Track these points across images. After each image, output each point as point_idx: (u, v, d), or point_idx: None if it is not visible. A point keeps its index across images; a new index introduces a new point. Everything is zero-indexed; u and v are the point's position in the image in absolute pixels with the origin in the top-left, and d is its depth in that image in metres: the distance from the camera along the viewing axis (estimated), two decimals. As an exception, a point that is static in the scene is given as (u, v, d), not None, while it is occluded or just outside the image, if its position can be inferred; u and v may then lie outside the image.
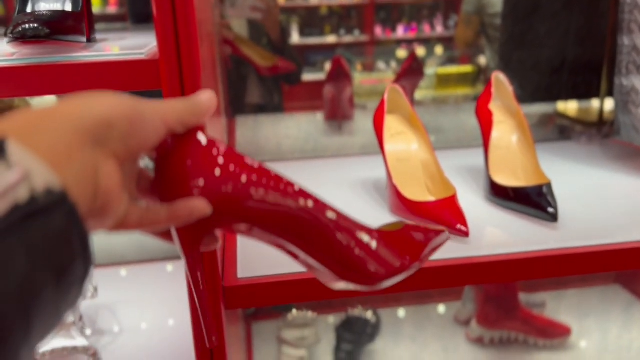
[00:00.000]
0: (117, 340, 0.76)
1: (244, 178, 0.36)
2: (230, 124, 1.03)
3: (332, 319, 1.19)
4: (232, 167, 0.37)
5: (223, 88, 0.97)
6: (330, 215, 0.39)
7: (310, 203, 0.38)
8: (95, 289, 0.69)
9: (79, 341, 0.65)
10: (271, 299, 0.58)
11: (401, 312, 1.24)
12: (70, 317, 0.67)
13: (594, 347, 1.12)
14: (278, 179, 0.37)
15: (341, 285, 0.40)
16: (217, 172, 0.36)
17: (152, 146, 0.34)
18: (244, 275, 0.57)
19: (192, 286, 0.41)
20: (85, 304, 0.82)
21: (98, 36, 0.63)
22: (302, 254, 0.39)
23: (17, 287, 0.22)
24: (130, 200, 0.36)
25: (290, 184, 0.37)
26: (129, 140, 0.32)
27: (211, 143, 0.37)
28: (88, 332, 0.76)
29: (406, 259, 0.42)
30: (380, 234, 0.42)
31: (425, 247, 0.44)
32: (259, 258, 0.61)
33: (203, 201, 0.36)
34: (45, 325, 0.24)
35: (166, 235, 0.39)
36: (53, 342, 0.64)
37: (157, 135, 0.34)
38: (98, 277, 0.86)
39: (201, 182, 0.36)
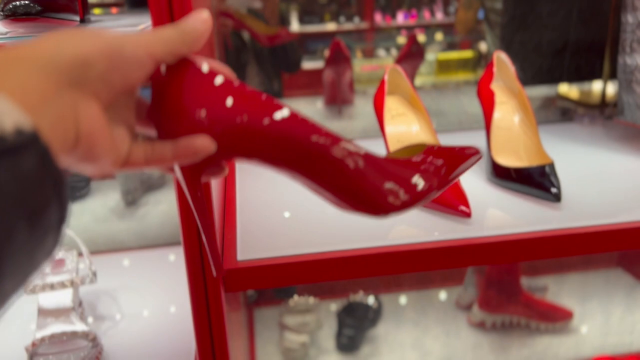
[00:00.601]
0: (118, 326, 0.76)
1: (246, 109, 0.34)
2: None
3: (334, 305, 1.19)
4: (233, 98, 0.34)
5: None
6: (343, 145, 0.36)
7: (320, 135, 0.35)
8: (94, 274, 0.69)
9: (79, 326, 0.64)
10: (271, 282, 0.57)
11: (402, 297, 1.24)
12: (69, 303, 0.66)
13: (596, 330, 1.12)
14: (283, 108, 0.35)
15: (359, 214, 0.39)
16: (217, 104, 0.34)
17: (139, 81, 0.33)
18: (244, 257, 0.57)
19: (196, 215, 0.39)
20: (85, 290, 0.81)
21: (93, 18, 0.62)
22: (312, 185, 0.37)
23: None
24: (133, 138, 0.35)
25: (296, 114, 0.35)
26: (109, 78, 0.30)
27: (208, 72, 0.35)
28: (90, 319, 0.76)
29: (431, 185, 0.40)
30: (395, 162, 0.40)
31: (452, 172, 0.42)
32: (258, 240, 0.60)
33: (207, 138, 0.34)
34: (18, 274, 0.23)
35: (170, 168, 0.38)
36: (52, 327, 0.64)
37: (143, 70, 0.32)
38: (98, 263, 0.86)
39: (201, 114, 0.34)
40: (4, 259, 0.22)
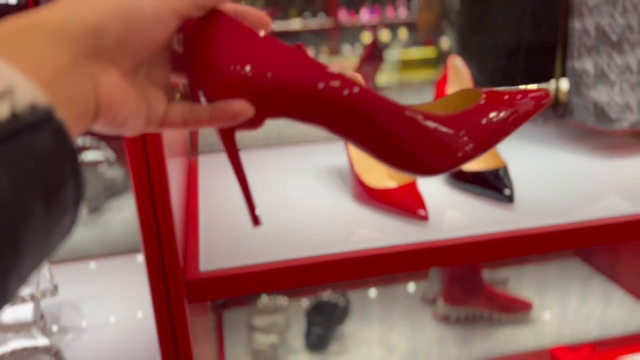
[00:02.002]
0: (83, 336, 0.75)
1: (280, 65, 0.33)
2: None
3: (303, 304, 1.20)
4: (266, 53, 0.33)
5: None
6: (379, 102, 0.36)
7: (355, 90, 0.35)
8: (56, 287, 0.68)
9: (40, 340, 0.64)
10: (235, 291, 0.58)
11: (369, 294, 1.26)
12: (30, 317, 0.66)
13: (555, 320, 1.16)
14: (321, 67, 0.34)
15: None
16: (250, 59, 0.33)
17: (164, 40, 0.31)
18: (207, 267, 0.57)
19: (234, 171, 0.39)
20: (49, 301, 0.80)
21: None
22: (349, 141, 0.37)
23: (2, 207, 0.20)
24: (170, 97, 0.34)
25: (335, 75, 0.35)
26: (128, 42, 0.29)
27: (241, 26, 0.33)
28: (54, 328, 0.75)
29: (476, 141, 0.39)
30: (444, 119, 0.38)
31: (508, 128, 0.41)
32: (222, 249, 0.60)
33: (244, 103, 0.34)
34: (36, 253, 0.23)
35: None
36: (12, 343, 0.63)
37: (167, 28, 0.31)
38: (61, 272, 0.85)
39: (234, 70, 0.33)
40: (21, 239, 0.21)
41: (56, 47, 0.25)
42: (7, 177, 0.20)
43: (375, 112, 0.36)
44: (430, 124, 0.38)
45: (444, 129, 0.39)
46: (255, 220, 0.40)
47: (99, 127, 0.30)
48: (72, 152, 0.24)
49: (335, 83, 0.35)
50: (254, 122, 0.37)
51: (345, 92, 0.35)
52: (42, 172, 0.22)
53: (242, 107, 0.34)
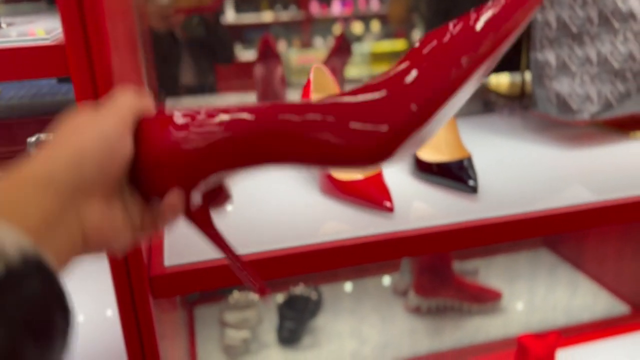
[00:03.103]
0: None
1: (196, 137, 0.37)
2: (159, 107, 1.01)
3: (275, 298, 1.20)
4: (186, 133, 0.37)
5: (148, 68, 0.94)
6: (293, 117, 0.37)
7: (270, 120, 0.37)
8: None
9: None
10: (201, 286, 0.57)
11: (342, 287, 1.27)
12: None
13: (523, 309, 1.19)
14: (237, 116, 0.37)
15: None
16: (171, 143, 0.36)
17: (128, 158, 0.34)
18: (172, 263, 0.57)
19: (220, 250, 0.41)
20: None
21: (4, 20, 0.60)
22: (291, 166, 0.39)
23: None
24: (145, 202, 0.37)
25: (235, 115, 0.37)
26: (105, 170, 0.32)
27: (158, 119, 0.38)
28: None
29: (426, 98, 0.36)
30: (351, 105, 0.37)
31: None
32: (188, 243, 0.60)
33: (174, 194, 0.36)
34: None
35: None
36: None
37: (128, 148, 0.34)
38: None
39: (162, 158, 0.36)
40: None
41: (41, 195, 0.28)
42: (3, 330, 0.22)
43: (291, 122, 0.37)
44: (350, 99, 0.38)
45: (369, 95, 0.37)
46: (262, 292, 0.43)
47: (89, 254, 0.32)
48: (60, 290, 0.26)
49: (240, 126, 0.37)
50: (218, 197, 0.40)
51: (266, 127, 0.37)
52: (33, 315, 0.24)
53: (172, 199, 0.36)
